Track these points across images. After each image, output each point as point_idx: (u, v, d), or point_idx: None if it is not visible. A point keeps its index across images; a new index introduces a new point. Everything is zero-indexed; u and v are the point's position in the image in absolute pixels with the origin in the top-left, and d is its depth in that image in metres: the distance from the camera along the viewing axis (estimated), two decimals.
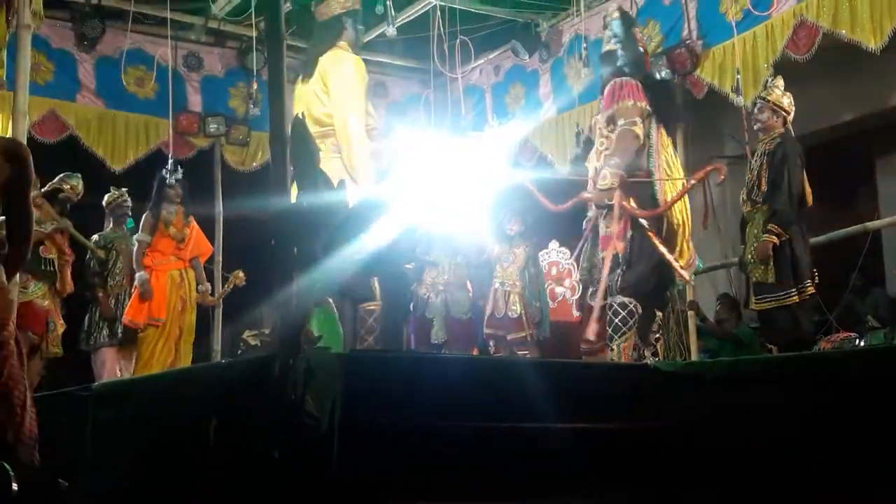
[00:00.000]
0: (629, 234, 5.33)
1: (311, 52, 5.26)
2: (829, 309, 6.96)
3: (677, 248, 5.43)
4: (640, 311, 5.28)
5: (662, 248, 5.27)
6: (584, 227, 7.01)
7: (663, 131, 5.56)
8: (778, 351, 6.33)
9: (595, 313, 5.41)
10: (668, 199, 5.36)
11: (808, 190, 6.31)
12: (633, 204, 5.32)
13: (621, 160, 5.34)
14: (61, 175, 7.89)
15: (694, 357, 7.85)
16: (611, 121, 5.54)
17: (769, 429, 3.54)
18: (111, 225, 8.44)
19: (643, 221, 5.30)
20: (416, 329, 8.94)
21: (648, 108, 5.45)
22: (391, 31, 7.16)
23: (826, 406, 3.39)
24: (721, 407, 3.71)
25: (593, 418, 3.55)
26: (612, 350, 5.24)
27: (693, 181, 5.34)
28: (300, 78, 5.22)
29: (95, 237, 8.38)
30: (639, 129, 5.35)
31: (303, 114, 5.03)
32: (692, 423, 3.72)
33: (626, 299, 5.25)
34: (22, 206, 3.62)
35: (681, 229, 5.47)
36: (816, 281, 6.19)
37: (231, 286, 8.77)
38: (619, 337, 5.21)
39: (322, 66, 5.11)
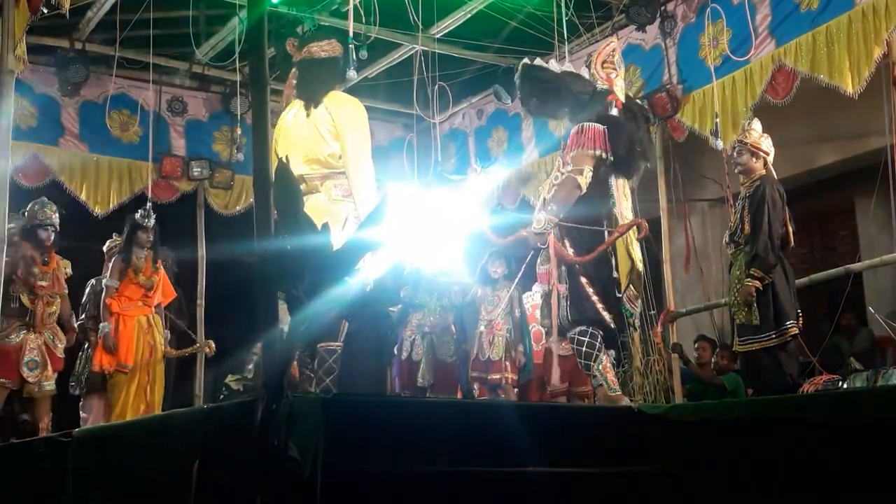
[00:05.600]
0: (565, 276, 5.35)
1: (316, 88, 5.15)
2: (810, 350, 6.98)
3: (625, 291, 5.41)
4: (601, 333, 5.27)
5: (590, 290, 5.29)
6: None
7: (622, 178, 5.54)
8: (759, 394, 6.32)
9: (555, 358, 5.46)
10: (629, 245, 5.38)
11: (790, 230, 6.34)
12: (568, 246, 5.34)
13: (558, 208, 5.34)
14: (32, 209, 7.65)
15: (678, 401, 7.84)
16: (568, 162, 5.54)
17: (755, 473, 3.53)
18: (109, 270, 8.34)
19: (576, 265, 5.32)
20: (401, 372, 8.92)
21: (609, 155, 5.39)
22: (352, 73, 7.23)
23: (811, 450, 3.38)
24: (706, 451, 3.70)
25: (577, 462, 3.53)
26: (594, 377, 5.22)
27: (616, 234, 5.32)
28: (304, 110, 5.12)
29: (93, 281, 8.32)
30: (583, 180, 5.33)
31: (287, 157, 5.03)
32: (677, 467, 3.70)
33: (582, 327, 5.25)
34: None
35: (627, 275, 5.44)
36: (801, 322, 6.21)
37: (192, 351, 8.70)
38: (595, 361, 5.20)
39: (328, 106, 5.06)
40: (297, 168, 4.88)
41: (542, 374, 8.64)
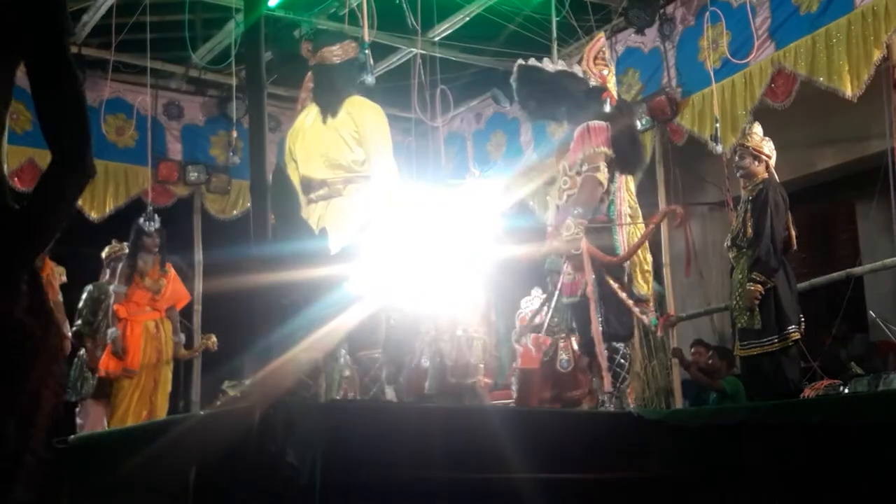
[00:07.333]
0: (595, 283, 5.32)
1: (333, 93, 5.15)
2: (811, 355, 6.94)
3: (635, 291, 5.41)
4: (630, 352, 5.27)
5: (623, 294, 5.26)
6: (546, 278, 7.01)
7: (626, 174, 5.52)
8: (760, 399, 6.29)
9: (604, 363, 5.37)
10: (629, 244, 5.35)
11: (793, 234, 6.31)
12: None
13: (584, 209, 5.30)
14: None
15: (679, 405, 7.82)
16: (576, 164, 5.50)
17: (755, 478, 3.50)
18: (107, 276, 8.30)
19: (604, 269, 5.29)
20: (408, 378, 8.84)
21: (612, 153, 5.39)
22: (370, 79, 7.20)
23: (812, 455, 3.36)
24: (706, 455, 3.68)
25: (577, 468, 3.51)
26: (616, 398, 5.20)
27: (651, 225, 5.31)
28: (322, 115, 5.11)
29: (90, 287, 8.28)
30: (602, 177, 5.31)
31: (284, 162, 5.01)
32: (677, 472, 3.68)
33: (615, 344, 5.23)
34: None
35: (637, 272, 5.44)
36: (803, 327, 6.18)
37: (202, 348, 8.70)
38: (622, 382, 5.18)
39: (351, 112, 5.06)
40: (318, 172, 4.98)
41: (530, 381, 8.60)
